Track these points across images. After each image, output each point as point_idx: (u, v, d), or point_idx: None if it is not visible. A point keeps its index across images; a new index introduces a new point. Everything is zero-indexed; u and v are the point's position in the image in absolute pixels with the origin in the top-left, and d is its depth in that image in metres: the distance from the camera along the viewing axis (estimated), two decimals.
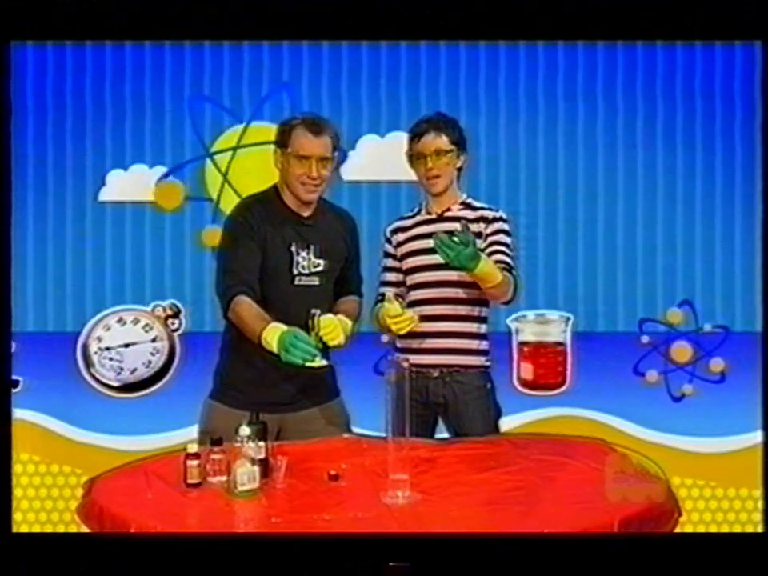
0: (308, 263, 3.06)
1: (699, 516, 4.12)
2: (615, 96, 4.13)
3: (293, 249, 3.05)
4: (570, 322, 4.03)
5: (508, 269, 3.24)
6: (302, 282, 3.05)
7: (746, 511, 4.10)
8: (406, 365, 2.79)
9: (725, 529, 4.09)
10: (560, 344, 3.97)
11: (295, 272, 3.05)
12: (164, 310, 4.10)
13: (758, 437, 3.84)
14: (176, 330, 4.15)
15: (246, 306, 2.90)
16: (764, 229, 3.87)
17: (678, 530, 2.59)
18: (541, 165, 4.15)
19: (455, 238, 2.98)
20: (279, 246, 3.04)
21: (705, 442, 4.12)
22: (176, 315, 4.12)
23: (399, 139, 3.94)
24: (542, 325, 3.98)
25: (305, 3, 3.64)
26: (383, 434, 2.66)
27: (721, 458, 4.11)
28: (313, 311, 2.85)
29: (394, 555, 2.32)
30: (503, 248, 3.28)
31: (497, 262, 3.22)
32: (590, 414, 4.13)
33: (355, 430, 3.29)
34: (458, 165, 3.31)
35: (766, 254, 3.86)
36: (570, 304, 4.13)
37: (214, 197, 4.17)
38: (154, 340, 4.15)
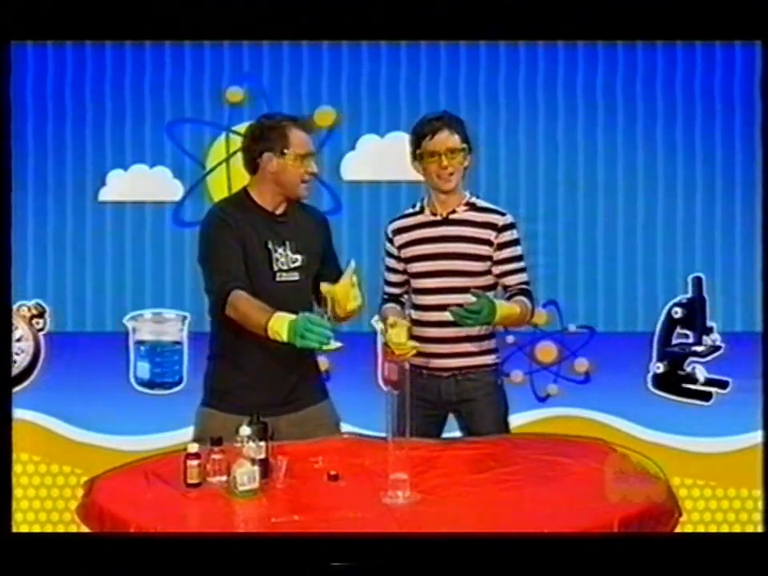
0: (286, 259, 3.08)
1: (699, 516, 4.11)
2: (615, 96, 4.13)
3: (269, 246, 3.07)
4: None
5: (526, 288, 3.28)
6: (283, 278, 3.07)
7: (745, 511, 4.10)
8: (406, 365, 2.80)
9: (725, 529, 4.09)
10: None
11: (275, 268, 3.07)
12: (29, 309, 4.09)
13: (758, 437, 3.84)
14: (41, 329, 4.14)
15: (245, 300, 2.91)
16: (764, 228, 3.87)
17: (678, 529, 2.59)
18: (541, 165, 4.16)
19: (471, 308, 3.02)
20: (256, 243, 3.05)
21: (705, 441, 4.12)
22: (41, 315, 4.11)
23: (399, 139, 3.96)
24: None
25: (305, 3, 3.64)
26: (383, 434, 2.67)
27: (721, 458, 4.11)
28: (324, 293, 2.83)
29: (394, 555, 2.31)
30: (519, 264, 3.29)
31: (516, 284, 3.27)
32: (590, 414, 4.13)
33: (355, 430, 3.29)
34: (466, 164, 3.28)
35: (766, 254, 3.86)
36: None
37: (207, 168, 4.16)
38: (18, 340, 4.13)
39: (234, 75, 4.14)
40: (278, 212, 3.12)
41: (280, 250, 3.08)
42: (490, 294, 3.28)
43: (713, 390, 4.08)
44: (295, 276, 3.09)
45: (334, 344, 2.74)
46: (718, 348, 4.09)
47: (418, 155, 3.27)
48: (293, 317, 2.76)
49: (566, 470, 2.75)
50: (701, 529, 4.08)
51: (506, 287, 3.30)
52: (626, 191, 4.14)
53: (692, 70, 4.11)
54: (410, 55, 4.12)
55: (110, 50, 4.11)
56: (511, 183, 4.13)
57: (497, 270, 3.27)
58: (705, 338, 4.07)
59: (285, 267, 3.08)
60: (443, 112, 3.33)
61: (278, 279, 3.07)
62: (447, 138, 3.21)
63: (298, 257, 3.10)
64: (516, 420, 3.98)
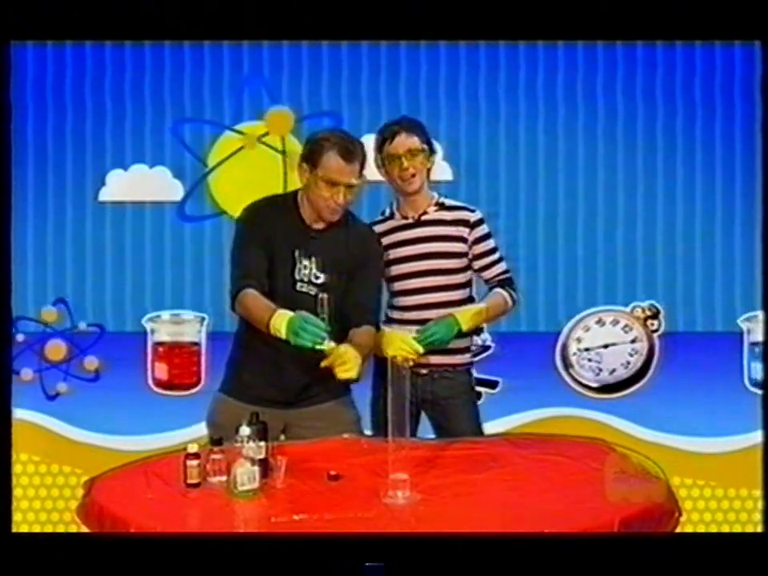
0: (309, 272, 3.06)
1: (699, 516, 4.11)
2: (615, 96, 4.13)
3: (296, 255, 3.05)
4: (205, 322, 4.09)
5: (505, 277, 3.34)
6: (303, 289, 3.06)
7: (746, 511, 4.10)
8: (407, 366, 2.80)
9: (725, 529, 4.09)
10: (195, 344, 4.09)
11: (297, 277, 3.06)
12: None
13: (757, 437, 3.83)
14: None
15: (252, 298, 2.92)
16: (764, 228, 3.87)
17: (678, 530, 2.59)
18: (540, 165, 4.15)
19: (426, 338, 3.12)
20: (284, 249, 3.04)
21: (705, 441, 4.12)
22: None
23: None
24: (177, 325, 4.09)
25: (305, 3, 3.64)
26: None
27: (721, 458, 4.11)
28: (321, 296, 2.83)
29: (394, 555, 2.32)
30: (494, 255, 3.34)
31: (495, 276, 3.33)
32: (590, 414, 4.13)
33: None
34: (428, 165, 3.31)
35: (766, 253, 3.86)
36: None
37: (208, 167, 4.16)
38: None
39: (234, 75, 4.14)
40: (316, 226, 3.08)
41: (305, 262, 3.05)
42: (468, 290, 3.35)
43: (482, 389, 4.06)
44: (313, 291, 3.06)
45: (327, 344, 2.75)
46: (487, 348, 4.10)
47: (380, 160, 3.30)
48: (292, 314, 2.77)
49: (566, 470, 2.75)
50: (701, 529, 4.07)
51: (486, 280, 3.37)
52: (626, 191, 4.14)
53: (692, 70, 4.11)
54: (410, 55, 4.12)
55: (109, 49, 4.11)
56: (510, 183, 4.13)
57: (475, 264, 3.33)
58: (475, 338, 4.06)
59: (306, 279, 3.06)
60: (402, 117, 3.38)
61: (297, 288, 3.05)
62: (405, 140, 3.23)
63: (322, 275, 3.06)
64: (516, 420, 4.00)
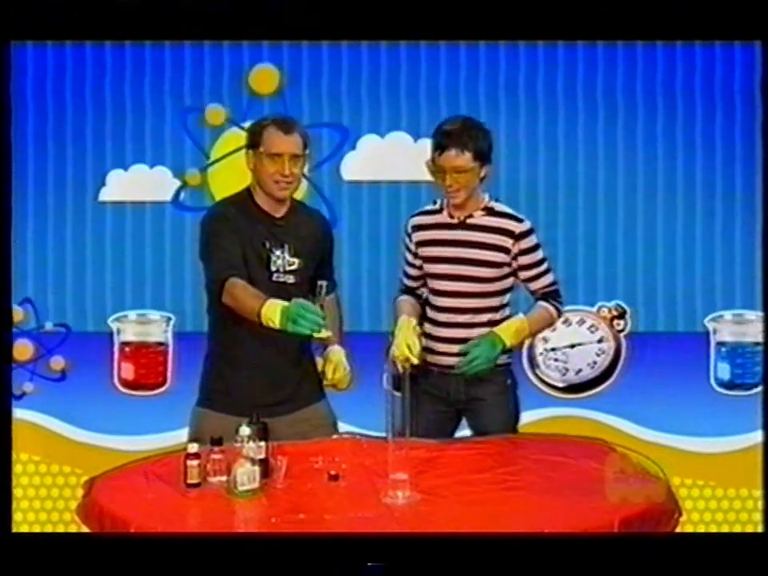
0: (283, 261, 3.09)
1: (699, 516, 4.12)
2: (615, 96, 4.13)
3: (267, 247, 3.08)
4: (172, 322, 4.09)
5: (550, 290, 3.30)
6: (280, 279, 3.09)
7: (746, 511, 4.10)
8: (407, 370, 2.80)
9: (725, 529, 4.09)
10: (161, 344, 4.10)
11: (273, 269, 3.08)
12: None
13: (758, 437, 3.84)
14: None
15: (241, 287, 2.93)
16: (765, 229, 3.88)
17: (678, 530, 2.59)
18: (541, 166, 4.15)
19: (471, 368, 3.15)
20: (255, 244, 3.07)
21: (705, 441, 4.12)
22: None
23: (399, 139, 3.99)
24: (143, 325, 4.12)
25: (305, 3, 3.64)
26: (383, 434, 2.67)
27: (721, 457, 4.11)
28: (320, 283, 2.85)
29: (394, 555, 2.32)
30: (540, 268, 3.28)
31: (540, 288, 3.29)
32: (590, 414, 4.14)
33: (355, 430, 3.29)
34: (481, 175, 3.20)
35: (766, 253, 3.86)
36: None
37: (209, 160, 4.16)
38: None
39: (234, 75, 4.14)
40: (278, 215, 3.13)
41: (278, 252, 3.09)
42: (507, 296, 3.30)
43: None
44: (291, 279, 3.10)
45: (325, 332, 2.76)
46: None
47: (429, 165, 3.23)
48: (286, 303, 2.78)
49: (566, 470, 2.75)
50: (701, 529, 4.07)
51: (531, 292, 3.33)
52: (626, 192, 4.14)
53: (692, 70, 4.11)
54: (409, 55, 4.12)
55: (109, 49, 4.11)
56: (510, 183, 4.13)
57: (521, 275, 3.28)
58: None
59: (281, 269, 3.09)
60: (461, 121, 3.23)
61: (274, 279, 3.08)
62: (455, 158, 3.13)
63: (296, 260, 3.11)
64: None
